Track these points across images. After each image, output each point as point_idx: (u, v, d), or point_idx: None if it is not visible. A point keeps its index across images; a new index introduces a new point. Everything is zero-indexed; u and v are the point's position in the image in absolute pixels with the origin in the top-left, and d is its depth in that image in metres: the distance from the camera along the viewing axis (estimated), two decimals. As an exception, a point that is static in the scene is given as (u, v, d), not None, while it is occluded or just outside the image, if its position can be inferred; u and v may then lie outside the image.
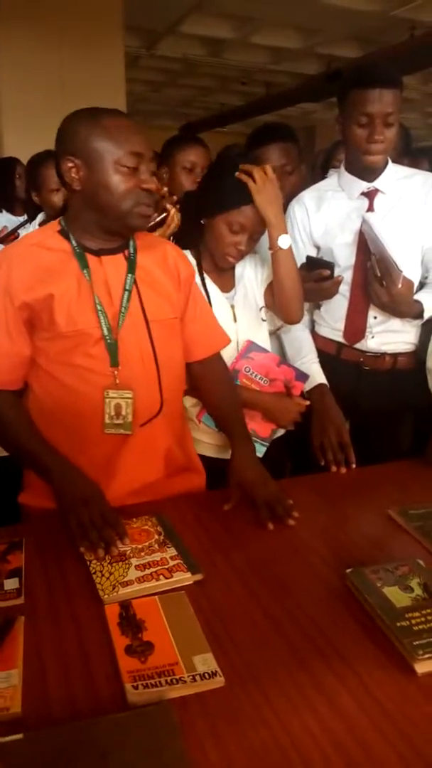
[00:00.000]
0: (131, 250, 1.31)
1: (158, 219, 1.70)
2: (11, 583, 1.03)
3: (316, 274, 1.71)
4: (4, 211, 3.43)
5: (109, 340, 1.25)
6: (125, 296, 1.28)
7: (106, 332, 1.25)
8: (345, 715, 0.79)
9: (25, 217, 3.50)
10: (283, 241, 1.52)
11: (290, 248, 1.54)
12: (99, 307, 1.25)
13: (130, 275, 1.29)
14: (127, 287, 1.28)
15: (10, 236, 2.74)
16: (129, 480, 1.32)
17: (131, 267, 1.30)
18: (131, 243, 1.32)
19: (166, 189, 1.78)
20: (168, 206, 1.71)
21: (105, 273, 1.27)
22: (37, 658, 0.88)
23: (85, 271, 1.25)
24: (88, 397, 1.26)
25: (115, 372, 1.26)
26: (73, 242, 1.27)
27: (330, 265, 1.72)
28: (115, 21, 4.56)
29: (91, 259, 1.27)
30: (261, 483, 1.32)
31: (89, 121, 1.21)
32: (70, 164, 1.21)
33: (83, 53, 4.40)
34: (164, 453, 1.37)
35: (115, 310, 1.27)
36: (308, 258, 1.76)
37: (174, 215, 1.70)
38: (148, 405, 1.31)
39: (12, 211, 3.45)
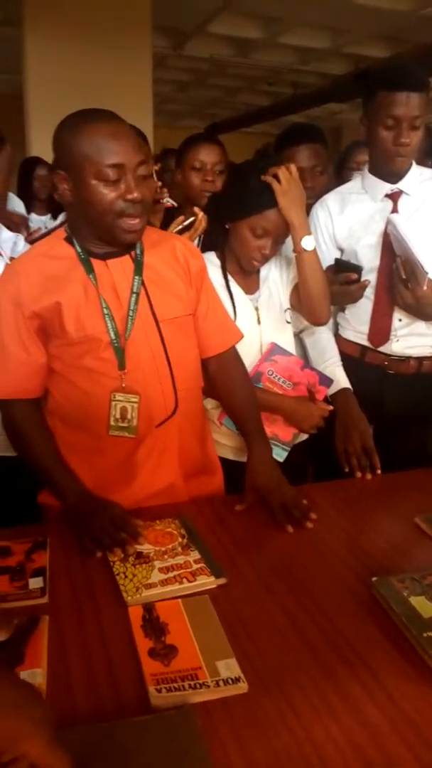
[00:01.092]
0: (138, 251, 1.31)
1: (186, 223, 1.71)
2: (35, 582, 1.04)
3: (343, 277, 1.70)
4: (32, 213, 3.47)
5: (116, 344, 1.26)
6: (133, 299, 1.28)
7: (113, 336, 1.25)
8: (369, 725, 0.78)
9: (50, 216, 3.55)
10: (307, 243, 1.52)
11: (315, 250, 1.53)
12: (106, 311, 1.25)
13: (137, 277, 1.29)
14: (135, 290, 1.28)
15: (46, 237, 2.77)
16: (147, 481, 1.33)
17: (138, 269, 1.29)
18: (138, 244, 1.31)
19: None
20: (195, 210, 1.71)
21: (112, 276, 1.27)
22: (61, 657, 0.89)
23: (91, 276, 1.26)
24: (99, 399, 1.27)
25: (123, 375, 1.26)
26: (78, 248, 1.27)
27: (358, 269, 1.71)
28: (143, 21, 4.57)
29: (97, 263, 1.27)
30: (275, 487, 1.32)
31: (72, 129, 1.18)
32: (59, 176, 1.20)
33: (110, 53, 4.42)
34: (182, 453, 1.37)
35: (123, 313, 1.27)
36: (336, 261, 1.75)
37: (201, 219, 1.71)
38: (162, 405, 1.31)
39: (33, 211, 3.49)
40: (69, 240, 1.28)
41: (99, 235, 1.24)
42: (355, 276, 1.70)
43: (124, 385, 1.27)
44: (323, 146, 1.92)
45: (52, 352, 1.29)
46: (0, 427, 1.49)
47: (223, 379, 1.47)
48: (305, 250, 1.52)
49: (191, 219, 1.70)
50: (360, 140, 3.17)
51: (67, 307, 1.24)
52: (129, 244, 1.26)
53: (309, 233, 1.52)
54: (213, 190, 1.87)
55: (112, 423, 1.28)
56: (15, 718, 0.45)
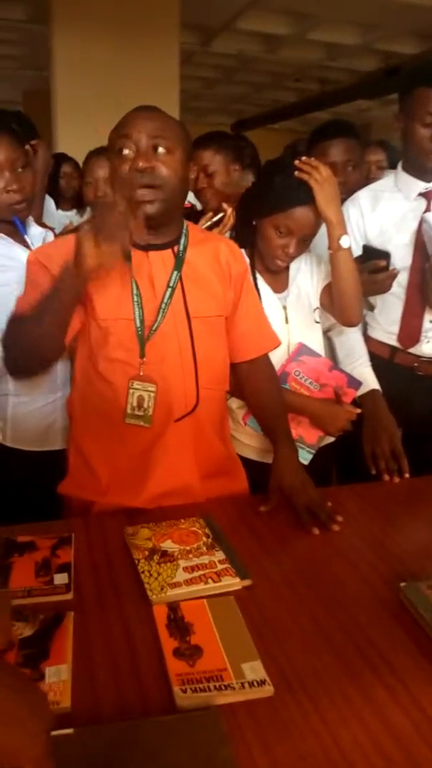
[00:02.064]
0: (181, 247, 1.32)
1: (215, 219, 1.70)
2: (61, 578, 1.05)
3: (371, 265, 1.67)
4: (59, 210, 3.49)
5: (140, 332, 1.27)
6: (168, 292, 1.29)
7: (138, 324, 1.26)
8: (396, 731, 0.77)
9: (75, 211, 3.57)
10: (345, 241, 1.50)
11: (350, 248, 1.51)
12: (136, 299, 1.26)
13: (175, 272, 1.30)
14: (171, 284, 1.29)
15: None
16: (163, 478, 1.32)
17: (178, 264, 1.30)
18: (182, 239, 1.32)
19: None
20: (224, 206, 1.71)
21: (150, 267, 1.28)
22: (86, 654, 0.89)
23: (128, 263, 1.26)
24: (118, 386, 1.28)
25: (142, 364, 1.27)
26: None
27: (386, 255, 1.67)
28: (171, 18, 4.56)
29: (137, 253, 1.28)
30: (301, 488, 1.30)
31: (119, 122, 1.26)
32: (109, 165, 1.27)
33: (138, 51, 4.42)
34: (199, 453, 1.37)
35: (156, 305, 1.28)
36: (364, 246, 1.72)
37: (230, 215, 1.70)
38: (183, 401, 1.31)
39: (59, 207, 3.51)
40: None
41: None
42: (383, 263, 1.67)
43: (141, 373, 1.27)
44: (357, 142, 1.91)
45: (81, 335, 1.30)
46: (22, 418, 1.50)
47: (253, 383, 1.46)
48: (342, 248, 1.50)
49: (220, 215, 1.70)
50: (371, 140, 3.14)
51: (101, 289, 1.25)
52: (146, 215, 1.21)
53: (346, 232, 1.50)
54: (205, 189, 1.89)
55: (128, 411, 1.28)
56: (12, 731, 0.45)
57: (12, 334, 1.21)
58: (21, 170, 1.47)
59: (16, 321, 1.21)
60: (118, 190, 1.22)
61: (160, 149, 1.21)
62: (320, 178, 1.45)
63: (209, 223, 1.69)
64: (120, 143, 1.22)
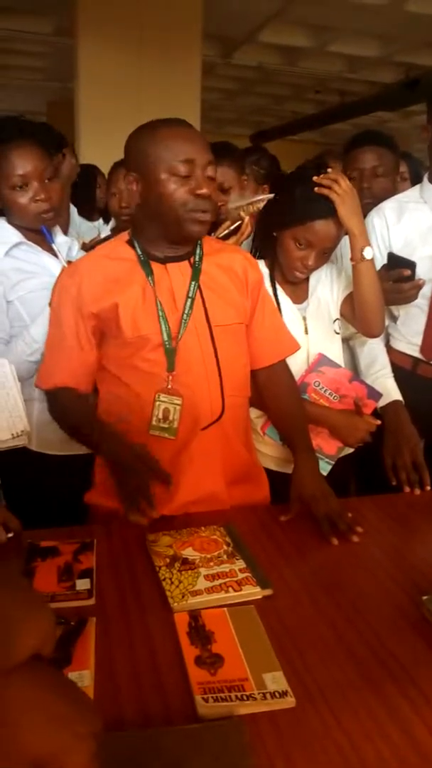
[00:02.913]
0: (197, 258, 1.34)
1: (232, 228, 1.71)
2: (83, 584, 1.05)
3: (396, 274, 1.66)
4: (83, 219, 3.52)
5: (168, 346, 1.28)
6: (188, 303, 1.30)
7: (165, 338, 1.28)
8: (420, 746, 0.76)
9: (102, 220, 3.59)
10: (368, 252, 1.50)
11: (373, 259, 1.51)
12: (161, 313, 1.28)
13: (193, 282, 1.31)
14: (190, 294, 1.30)
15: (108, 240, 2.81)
16: (191, 487, 1.33)
17: (195, 274, 1.32)
18: (198, 251, 1.34)
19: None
20: (242, 214, 1.71)
21: (170, 280, 1.30)
22: (107, 660, 0.89)
23: (149, 279, 1.29)
24: (145, 398, 1.30)
25: (170, 377, 1.28)
26: (139, 251, 1.31)
27: (412, 265, 1.66)
28: (194, 31, 4.61)
29: (156, 266, 1.30)
30: (322, 498, 1.30)
31: (145, 134, 1.26)
32: (131, 179, 1.27)
33: (161, 63, 4.47)
34: (226, 461, 1.37)
35: (178, 316, 1.29)
36: (390, 254, 1.71)
37: (247, 223, 1.70)
38: (209, 409, 1.32)
39: (89, 218, 3.54)
40: (131, 243, 1.33)
41: (165, 233, 1.28)
42: (408, 272, 1.66)
43: (169, 386, 1.28)
44: (389, 151, 1.93)
45: (105, 351, 1.33)
46: (47, 424, 1.52)
47: (272, 390, 1.46)
48: (364, 259, 1.50)
49: (237, 223, 1.70)
50: None
51: (125, 308, 1.27)
52: (196, 234, 1.28)
53: (369, 243, 1.51)
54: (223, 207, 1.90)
55: (153, 423, 1.30)
56: (57, 732, 0.45)
57: (52, 412, 1.38)
58: (49, 181, 1.49)
59: (56, 411, 1.36)
60: (179, 212, 1.24)
61: (210, 173, 1.25)
62: (340, 191, 1.45)
63: (226, 231, 1.69)
64: (180, 168, 1.22)
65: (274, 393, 1.47)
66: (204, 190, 1.22)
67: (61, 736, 0.45)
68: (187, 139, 1.24)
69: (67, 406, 1.35)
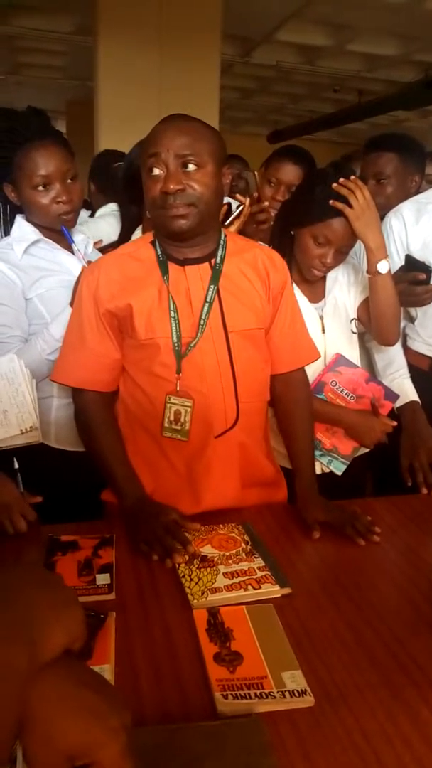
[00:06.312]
0: (218, 260, 1.30)
1: (236, 213, 1.67)
2: (103, 579, 1.06)
3: (411, 276, 1.66)
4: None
5: (177, 348, 1.26)
6: (205, 307, 1.27)
7: (175, 340, 1.26)
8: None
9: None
10: (383, 267, 1.49)
11: (389, 272, 1.51)
12: (173, 314, 1.26)
13: (212, 286, 1.28)
14: (209, 299, 1.28)
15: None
16: (208, 498, 1.31)
17: (215, 277, 1.29)
18: (219, 251, 1.30)
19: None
20: (238, 197, 1.67)
21: (187, 282, 1.28)
22: (127, 655, 0.90)
23: (164, 278, 1.27)
24: (157, 401, 1.29)
25: (178, 380, 1.27)
26: (158, 251, 1.29)
27: (428, 269, 1.66)
28: (213, 30, 4.61)
29: (174, 268, 1.28)
30: (334, 510, 1.28)
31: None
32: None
33: (180, 62, 4.48)
34: (243, 469, 1.36)
35: (194, 320, 1.27)
36: (407, 257, 1.71)
37: (248, 205, 1.65)
38: (222, 416, 1.30)
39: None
40: (153, 243, 1.31)
41: (161, 232, 1.27)
42: (423, 276, 1.66)
43: (178, 389, 1.27)
44: (396, 155, 1.91)
45: (125, 352, 1.32)
46: (65, 420, 1.53)
47: (287, 401, 1.43)
48: (379, 273, 1.50)
49: (240, 207, 1.65)
50: None
51: (139, 309, 1.26)
52: (178, 230, 1.22)
53: (385, 256, 1.50)
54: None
55: (165, 425, 1.29)
56: (90, 726, 0.46)
57: (77, 423, 1.38)
58: (71, 181, 1.50)
59: (84, 431, 1.36)
60: (153, 212, 1.23)
61: (190, 166, 1.18)
62: (356, 205, 1.44)
63: (231, 218, 1.65)
64: (149, 163, 1.19)
65: (287, 408, 1.43)
66: (171, 186, 1.16)
67: (95, 729, 0.45)
68: (162, 134, 1.19)
69: (93, 421, 1.33)
